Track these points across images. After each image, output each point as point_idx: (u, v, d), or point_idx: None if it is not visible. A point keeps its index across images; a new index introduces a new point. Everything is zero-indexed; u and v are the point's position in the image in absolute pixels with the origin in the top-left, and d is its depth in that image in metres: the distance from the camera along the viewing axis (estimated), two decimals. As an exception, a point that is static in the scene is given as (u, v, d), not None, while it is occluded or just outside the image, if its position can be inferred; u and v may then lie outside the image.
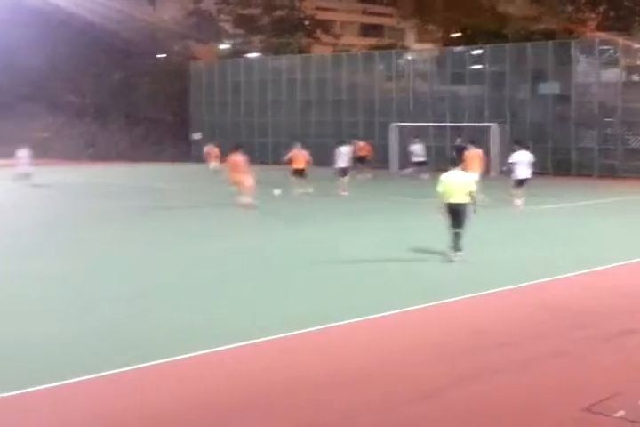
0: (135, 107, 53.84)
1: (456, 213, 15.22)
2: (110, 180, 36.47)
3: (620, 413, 7.34)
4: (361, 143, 36.64)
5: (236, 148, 25.38)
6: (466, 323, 10.81)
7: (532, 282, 13.32)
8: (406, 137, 40.88)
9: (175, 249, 17.01)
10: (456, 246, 15.25)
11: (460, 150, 35.88)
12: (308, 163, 27.69)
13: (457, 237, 15.25)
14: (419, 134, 38.99)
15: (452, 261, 15.13)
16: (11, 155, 34.15)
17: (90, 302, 11.83)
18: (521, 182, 24.21)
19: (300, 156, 27.75)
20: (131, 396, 7.95)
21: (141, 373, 8.61)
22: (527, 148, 25.52)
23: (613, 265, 14.98)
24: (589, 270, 14.39)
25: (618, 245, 17.52)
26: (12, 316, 11.13)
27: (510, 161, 24.79)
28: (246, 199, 23.90)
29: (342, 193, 28.10)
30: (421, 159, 36.51)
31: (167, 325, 10.54)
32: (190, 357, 9.04)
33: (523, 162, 24.23)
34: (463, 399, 7.80)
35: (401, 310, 11.31)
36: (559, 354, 9.32)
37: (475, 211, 15.59)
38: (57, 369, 8.59)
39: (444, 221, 15.47)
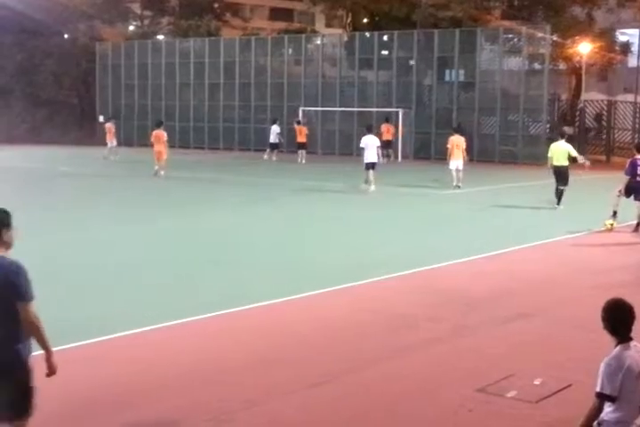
0: (39, 88, 52.52)
1: (559, 174, 20.56)
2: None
3: (512, 393, 7.66)
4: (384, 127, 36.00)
5: (158, 124, 30.14)
6: (363, 306, 10.99)
7: (424, 268, 13.42)
8: (313, 121, 41.24)
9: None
10: (559, 201, 20.61)
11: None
12: None
13: (561, 193, 20.55)
14: (277, 117, 40.13)
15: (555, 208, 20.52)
16: None
17: None
18: (370, 166, 24.56)
19: None
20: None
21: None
22: (375, 133, 25.40)
23: (505, 251, 15.21)
24: (481, 256, 14.54)
25: (507, 231, 17.84)
26: None
27: (361, 145, 25.13)
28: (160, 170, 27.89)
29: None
30: (276, 141, 37.54)
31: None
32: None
33: (371, 146, 24.55)
34: (359, 384, 7.97)
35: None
36: (454, 338, 9.56)
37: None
38: None
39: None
